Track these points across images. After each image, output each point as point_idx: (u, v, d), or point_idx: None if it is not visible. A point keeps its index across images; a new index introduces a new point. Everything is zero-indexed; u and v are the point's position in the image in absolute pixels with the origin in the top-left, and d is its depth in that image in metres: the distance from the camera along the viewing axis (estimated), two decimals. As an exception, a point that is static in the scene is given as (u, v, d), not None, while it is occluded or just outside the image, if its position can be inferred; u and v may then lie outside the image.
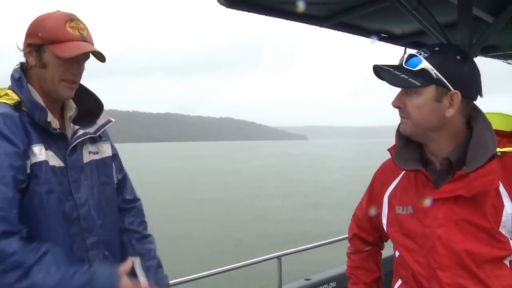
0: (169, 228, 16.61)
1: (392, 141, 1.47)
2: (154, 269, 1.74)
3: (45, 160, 1.45)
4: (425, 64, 1.31)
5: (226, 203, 23.82)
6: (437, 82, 1.31)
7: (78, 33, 1.49)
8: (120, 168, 1.78)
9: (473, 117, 1.38)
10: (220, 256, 11.48)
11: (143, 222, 1.82)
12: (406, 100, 1.36)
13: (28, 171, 1.41)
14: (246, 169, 48.78)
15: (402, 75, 1.33)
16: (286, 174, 41.49)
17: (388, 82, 1.34)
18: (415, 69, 1.32)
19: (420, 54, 1.34)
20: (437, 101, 1.33)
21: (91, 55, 1.55)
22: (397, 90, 1.41)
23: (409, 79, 1.32)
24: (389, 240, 1.67)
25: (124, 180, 1.79)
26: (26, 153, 1.41)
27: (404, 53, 1.42)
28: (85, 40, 1.51)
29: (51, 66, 1.48)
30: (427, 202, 1.37)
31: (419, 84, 1.31)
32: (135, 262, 1.63)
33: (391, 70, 1.35)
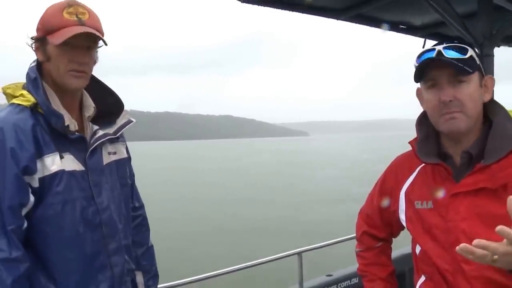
0: (176, 227, 16.64)
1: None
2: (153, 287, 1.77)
3: (59, 170, 1.41)
4: (472, 52, 1.33)
5: (225, 201, 23.81)
6: (479, 68, 1.35)
7: (75, 18, 1.41)
8: (131, 173, 1.74)
9: (493, 110, 1.39)
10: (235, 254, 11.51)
11: (147, 230, 1.80)
12: (454, 92, 1.33)
13: (37, 185, 1.38)
14: (240, 167, 48.66)
15: (459, 64, 1.31)
16: (281, 171, 41.43)
17: (455, 69, 1.32)
18: (465, 57, 1.32)
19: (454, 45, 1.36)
20: (481, 87, 1.36)
21: (101, 42, 1.48)
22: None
23: (465, 66, 1.31)
24: (399, 238, 1.70)
25: (133, 186, 1.76)
26: (31, 167, 1.37)
27: (424, 44, 1.40)
28: (83, 24, 1.41)
29: (54, 57, 1.42)
30: (440, 194, 1.38)
31: (471, 70, 1.32)
32: (138, 279, 1.69)
33: (448, 59, 1.32)
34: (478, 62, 1.34)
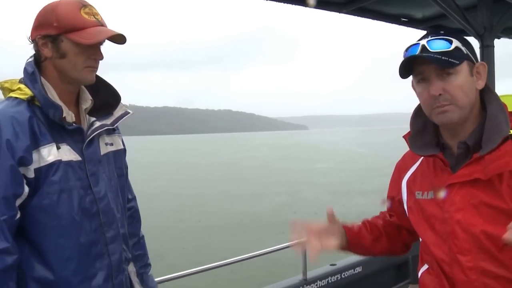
0: (174, 221, 16.69)
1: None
2: (146, 275, 1.81)
3: (56, 160, 1.43)
4: (457, 43, 1.33)
5: (222, 195, 23.85)
6: (467, 57, 1.34)
7: (94, 19, 1.46)
8: (126, 165, 1.77)
9: (488, 99, 1.39)
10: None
11: (139, 222, 1.84)
12: (444, 85, 1.33)
13: (32, 175, 1.40)
14: (238, 161, 48.47)
15: (442, 57, 1.30)
16: (276, 165, 41.34)
17: (438, 64, 1.33)
18: (450, 49, 1.31)
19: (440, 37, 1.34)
20: (471, 76, 1.35)
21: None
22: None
23: (450, 59, 1.30)
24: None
25: (127, 178, 1.79)
26: (27, 158, 1.39)
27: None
28: (102, 25, 1.48)
29: (71, 55, 1.46)
30: (442, 194, 1.39)
31: (457, 62, 1.32)
32: (130, 268, 1.72)
33: (431, 55, 1.31)
34: (465, 51, 1.34)
